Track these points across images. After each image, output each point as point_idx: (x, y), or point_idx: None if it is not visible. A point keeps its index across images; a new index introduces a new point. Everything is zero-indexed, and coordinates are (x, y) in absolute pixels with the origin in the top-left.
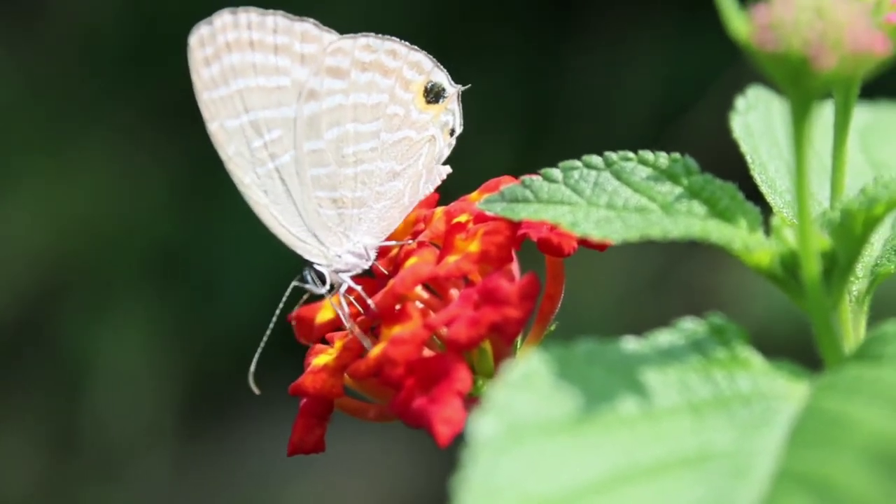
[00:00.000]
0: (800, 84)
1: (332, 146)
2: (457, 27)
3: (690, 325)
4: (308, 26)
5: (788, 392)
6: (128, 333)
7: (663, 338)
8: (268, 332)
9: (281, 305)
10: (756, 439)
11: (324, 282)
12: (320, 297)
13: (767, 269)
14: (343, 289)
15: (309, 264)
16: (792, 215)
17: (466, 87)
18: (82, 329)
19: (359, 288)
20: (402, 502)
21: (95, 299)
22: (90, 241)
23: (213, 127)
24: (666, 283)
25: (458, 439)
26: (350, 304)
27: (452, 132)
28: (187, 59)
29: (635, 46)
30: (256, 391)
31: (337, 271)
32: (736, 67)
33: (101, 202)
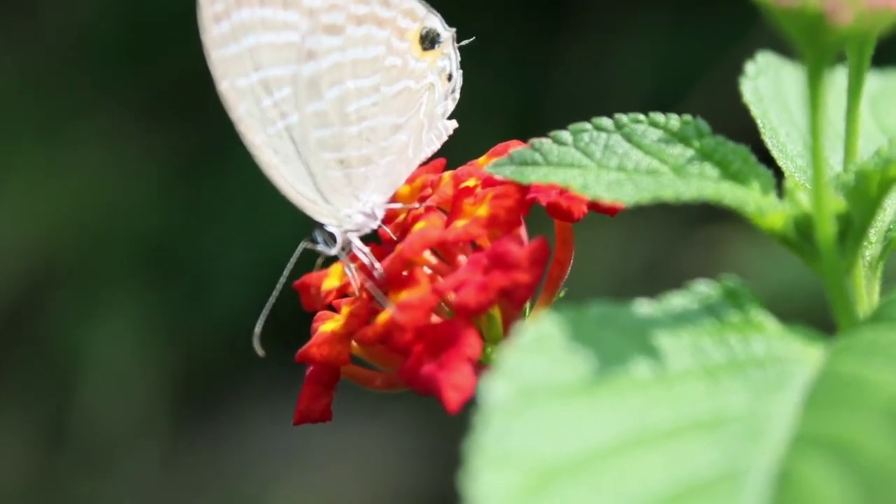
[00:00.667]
0: (815, 41)
1: (334, 106)
2: (449, 17)
3: (704, 289)
4: None
5: (803, 356)
6: (118, 328)
7: (676, 301)
8: (278, 288)
9: (289, 268)
10: (771, 403)
11: (334, 242)
12: (331, 261)
13: (781, 232)
14: (356, 246)
15: (319, 225)
16: (804, 179)
17: (463, 39)
18: (72, 324)
19: (367, 250)
20: (392, 494)
21: (85, 294)
22: (80, 235)
23: (224, 86)
24: (658, 270)
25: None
26: (360, 265)
27: (450, 77)
28: (195, 28)
29: (627, 36)
30: (261, 353)
31: (347, 231)
32: (728, 58)
33: (91, 197)
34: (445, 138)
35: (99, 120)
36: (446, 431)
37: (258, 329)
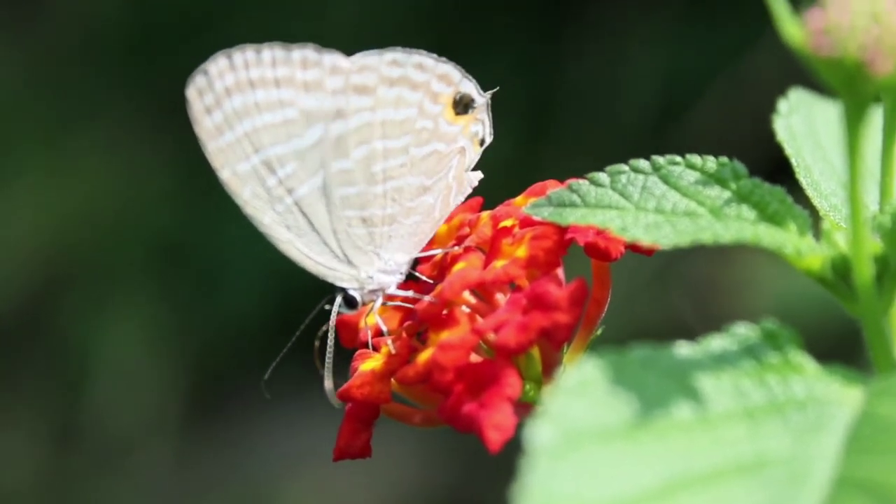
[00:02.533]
0: (855, 89)
1: (360, 165)
2: (459, 16)
3: (743, 331)
4: (307, 52)
5: (842, 397)
6: (129, 326)
7: (716, 343)
8: (287, 346)
9: (301, 328)
10: (812, 445)
11: (355, 306)
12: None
13: (818, 274)
14: (377, 305)
15: (340, 289)
16: (838, 218)
17: (495, 90)
18: (84, 323)
19: (405, 294)
20: (400, 495)
21: (97, 292)
22: (91, 234)
23: (225, 175)
24: (668, 277)
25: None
26: (398, 308)
27: (482, 142)
28: (186, 111)
29: (639, 36)
30: (267, 396)
31: (370, 292)
32: (740, 59)
33: (103, 195)
34: (469, 191)
35: (110, 119)
36: (453, 435)
37: (328, 386)
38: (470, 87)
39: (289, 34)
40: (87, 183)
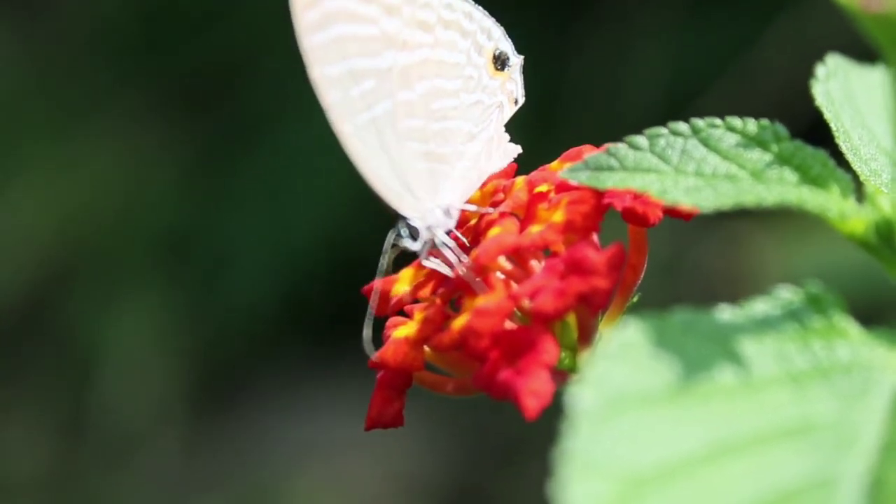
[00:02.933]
0: None
1: (422, 99)
2: None
3: (786, 294)
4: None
5: (888, 362)
6: (136, 319)
7: (759, 307)
8: (375, 291)
9: (383, 262)
10: (859, 410)
11: (417, 237)
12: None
13: (861, 237)
14: (440, 240)
15: (403, 218)
16: (879, 182)
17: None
18: (91, 315)
19: (452, 243)
20: (409, 484)
21: (104, 285)
22: (98, 227)
23: (315, 73)
24: (679, 265)
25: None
26: (431, 274)
27: (516, 101)
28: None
29: (645, 29)
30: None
31: (430, 227)
32: (747, 53)
33: (109, 188)
34: (509, 160)
35: (117, 112)
36: (463, 423)
37: (366, 334)
38: (507, 46)
39: (291, 27)
40: (93, 176)
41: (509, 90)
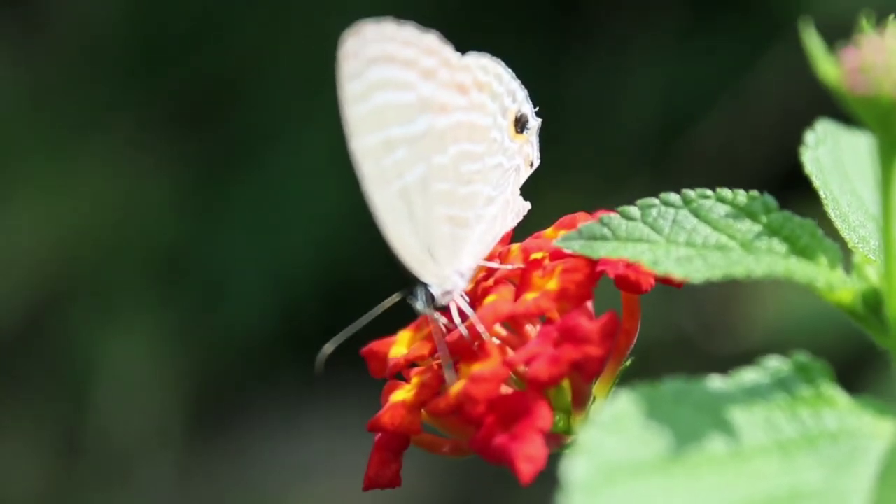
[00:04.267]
0: (889, 126)
1: (453, 163)
2: (463, 29)
3: (775, 364)
4: (432, 39)
5: (875, 430)
6: (132, 339)
7: (748, 376)
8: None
9: (375, 313)
10: (846, 478)
11: (433, 302)
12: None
13: (849, 307)
14: (458, 303)
15: (421, 284)
16: (867, 249)
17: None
18: (87, 335)
19: (470, 311)
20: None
21: (100, 305)
22: (94, 246)
23: (353, 145)
24: (674, 293)
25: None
26: (428, 338)
27: (531, 164)
28: (335, 72)
29: (640, 52)
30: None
31: (447, 292)
32: (741, 75)
33: (105, 208)
34: (520, 218)
35: (112, 132)
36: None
37: (329, 348)
38: (528, 109)
39: (289, 50)
40: (89, 196)
41: (526, 153)
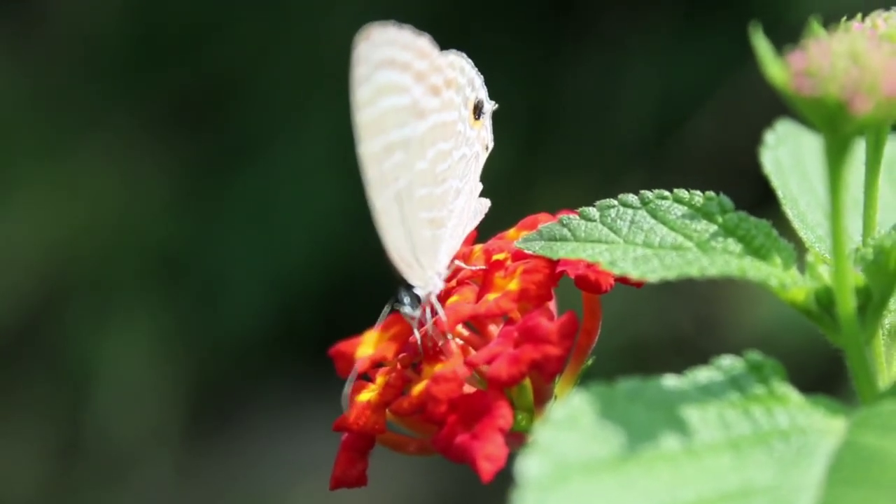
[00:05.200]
0: (836, 128)
1: (431, 166)
2: (455, 30)
3: (728, 362)
4: (425, 42)
5: (826, 427)
6: (131, 339)
7: (702, 374)
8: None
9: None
10: (796, 475)
11: (419, 304)
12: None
13: (802, 306)
14: (435, 304)
15: (408, 287)
16: (823, 249)
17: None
18: (86, 336)
19: (441, 312)
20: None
21: (99, 306)
22: (92, 247)
23: (360, 150)
24: (667, 288)
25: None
26: (393, 339)
27: (487, 147)
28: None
29: (636, 49)
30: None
31: (429, 293)
32: (736, 73)
33: (103, 208)
34: (482, 216)
35: (109, 132)
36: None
37: (346, 390)
38: (484, 94)
39: (287, 51)
40: (88, 195)
41: (483, 138)
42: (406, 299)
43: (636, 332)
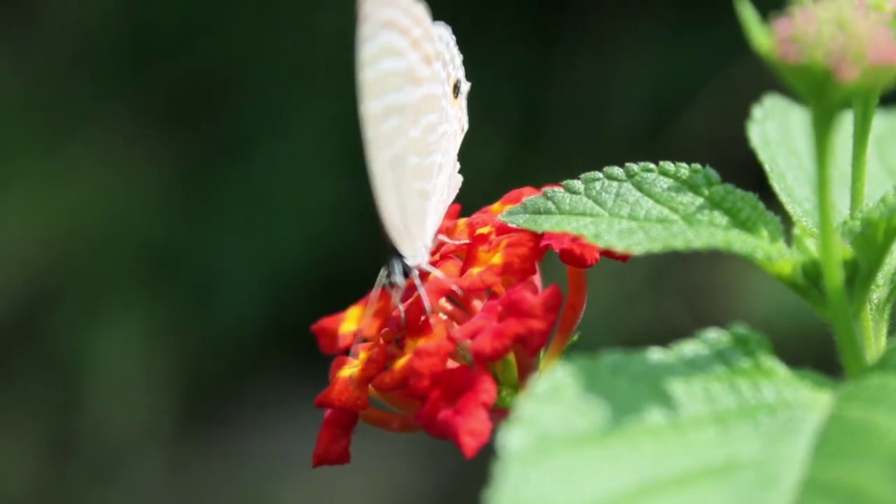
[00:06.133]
0: (822, 96)
1: (422, 135)
2: (451, 24)
3: (714, 336)
4: (421, 9)
5: (813, 401)
6: (123, 336)
7: (688, 348)
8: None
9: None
10: (782, 448)
11: (408, 275)
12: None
13: (789, 279)
14: (427, 270)
15: (398, 256)
16: (811, 223)
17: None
18: (77, 332)
19: (439, 273)
20: (397, 501)
21: (90, 302)
22: (84, 243)
23: (362, 108)
24: (662, 283)
25: (484, 450)
26: (376, 314)
27: (463, 129)
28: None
29: (629, 46)
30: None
31: (419, 264)
32: (729, 69)
33: (95, 204)
34: (456, 192)
35: (101, 128)
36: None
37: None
38: (462, 74)
39: (280, 46)
40: (80, 192)
41: (460, 118)
42: (397, 268)
43: (631, 326)
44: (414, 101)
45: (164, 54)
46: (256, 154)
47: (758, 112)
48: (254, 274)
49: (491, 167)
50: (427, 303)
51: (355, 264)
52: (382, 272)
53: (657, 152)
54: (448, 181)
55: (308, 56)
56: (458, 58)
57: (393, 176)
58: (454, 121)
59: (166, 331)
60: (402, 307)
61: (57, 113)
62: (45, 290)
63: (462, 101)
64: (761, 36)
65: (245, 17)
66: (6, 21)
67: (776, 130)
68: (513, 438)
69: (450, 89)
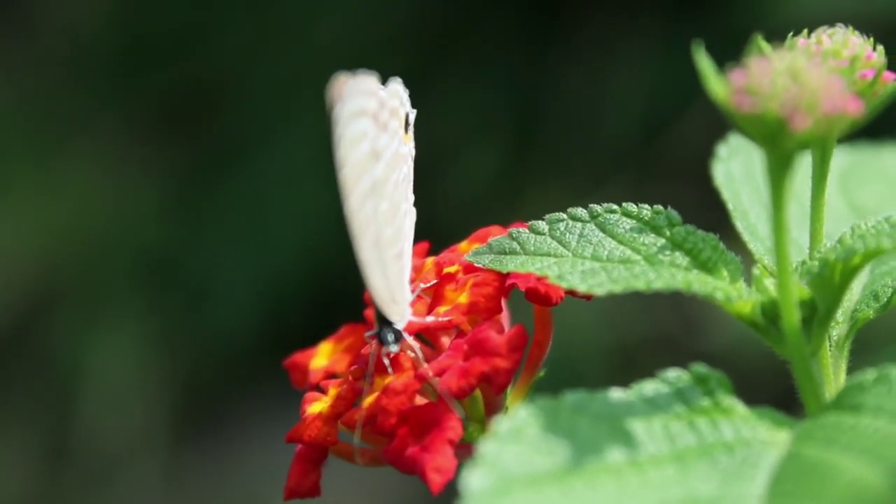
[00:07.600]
0: (776, 144)
1: (391, 201)
2: (440, 34)
3: (674, 374)
4: (373, 81)
5: (770, 439)
6: (118, 343)
7: (648, 387)
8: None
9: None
10: (739, 487)
11: (399, 339)
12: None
13: (748, 318)
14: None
15: (388, 324)
16: (773, 262)
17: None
18: (73, 340)
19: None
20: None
21: (85, 309)
22: (79, 250)
23: (347, 205)
24: (654, 300)
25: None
26: (346, 351)
27: (412, 157)
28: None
29: (622, 55)
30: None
31: (406, 326)
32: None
33: (90, 212)
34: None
35: (97, 136)
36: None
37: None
38: (409, 104)
39: (273, 55)
40: (75, 201)
41: (411, 149)
42: (390, 337)
43: (623, 333)
44: (380, 174)
45: (159, 64)
46: (250, 162)
47: (723, 150)
48: (249, 282)
49: (485, 176)
50: (421, 358)
51: (349, 273)
52: (374, 344)
53: (650, 159)
54: (410, 220)
55: (301, 65)
56: (405, 94)
57: (376, 253)
58: (408, 157)
59: (161, 339)
60: (373, 347)
61: (51, 122)
62: (40, 298)
63: (410, 131)
64: (717, 86)
65: (238, 26)
66: (1, 31)
67: (740, 168)
68: (473, 479)
69: (402, 131)
